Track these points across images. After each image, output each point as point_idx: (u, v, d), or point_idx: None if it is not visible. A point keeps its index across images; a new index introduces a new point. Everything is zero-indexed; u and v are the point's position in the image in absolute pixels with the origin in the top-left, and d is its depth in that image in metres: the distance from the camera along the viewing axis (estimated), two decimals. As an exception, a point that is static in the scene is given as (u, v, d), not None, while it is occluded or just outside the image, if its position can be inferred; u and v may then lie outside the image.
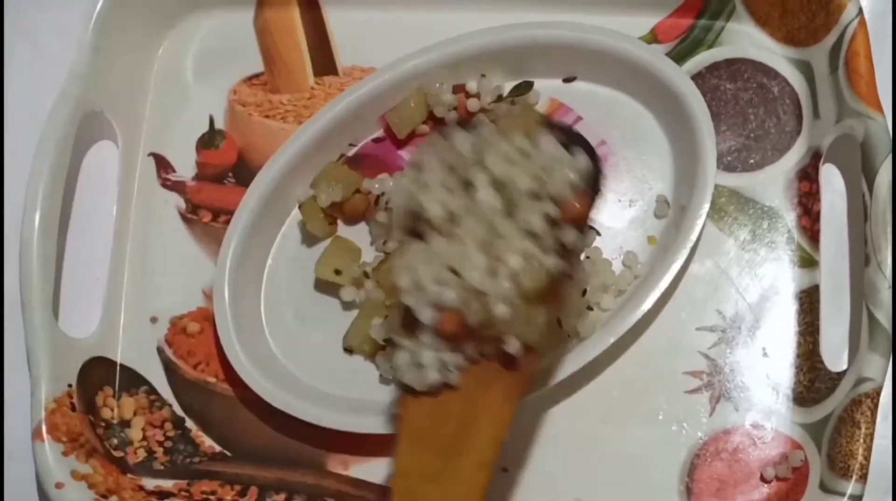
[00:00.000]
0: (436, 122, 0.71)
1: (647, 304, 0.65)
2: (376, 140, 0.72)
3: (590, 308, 0.67)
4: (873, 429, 0.62)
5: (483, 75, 0.71)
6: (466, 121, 0.66)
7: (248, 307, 0.70)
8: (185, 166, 0.73)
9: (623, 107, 0.71)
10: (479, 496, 0.54)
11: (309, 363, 0.70)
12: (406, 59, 0.69)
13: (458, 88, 0.71)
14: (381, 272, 0.68)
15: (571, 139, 0.56)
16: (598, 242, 0.69)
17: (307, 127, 0.69)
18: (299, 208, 0.70)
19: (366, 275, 0.69)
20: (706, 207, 0.66)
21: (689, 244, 0.65)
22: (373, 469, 0.68)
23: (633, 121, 0.71)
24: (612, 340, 0.65)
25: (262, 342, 0.70)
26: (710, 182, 0.66)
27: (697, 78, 0.71)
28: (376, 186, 0.70)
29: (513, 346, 0.54)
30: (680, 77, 0.68)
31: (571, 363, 0.65)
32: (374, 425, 0.65)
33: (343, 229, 0.71)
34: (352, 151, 0.72)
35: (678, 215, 0.68)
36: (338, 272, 0.69)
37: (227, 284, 0.68)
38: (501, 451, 0.55)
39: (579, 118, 0.71)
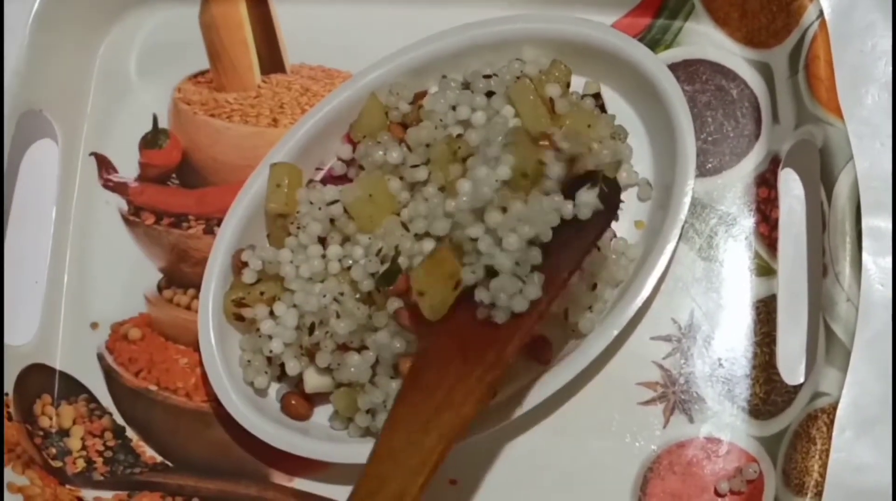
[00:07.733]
0: (398, 127, 0.68)
1: (646, 291, 0.63)
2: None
3: (589, 308, 0.65)
4: (829, 445, 0.61)
5: (444, 76, 0.68)
6: None
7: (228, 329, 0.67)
8: (128, 167, 0.71)
9: (593, 93, 0.70)
10: (431, 468, 0.55)
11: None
12: (365, 73, 0.67)
13: (419, 95, 0.68)
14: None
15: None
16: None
17: (271, 157, 0.67)
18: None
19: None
20: (690, 183, 0.64)
21: (679, 224, 0.64)
22: (318, 481, 0.66)
23: (606, 106, 0.69)
24: (615, 332, 0.63)
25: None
26: (692, 158, 0.65)
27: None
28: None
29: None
30: (648, 57, 0.66)
31: (576, 362, 0.63)
32: (326, 451, 0.64)
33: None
34: (319, 175, 0.69)
35: (663, 196, 0.66)
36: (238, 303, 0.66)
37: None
38: (463, 431, 0.56)
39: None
